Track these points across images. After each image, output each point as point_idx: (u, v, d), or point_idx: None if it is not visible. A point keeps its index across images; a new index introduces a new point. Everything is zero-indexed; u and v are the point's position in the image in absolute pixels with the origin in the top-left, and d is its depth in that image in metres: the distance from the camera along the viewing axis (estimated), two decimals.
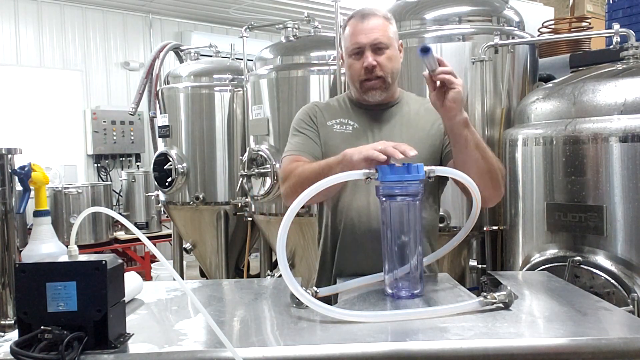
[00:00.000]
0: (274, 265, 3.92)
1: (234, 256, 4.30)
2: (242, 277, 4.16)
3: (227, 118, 4.06)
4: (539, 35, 3.21)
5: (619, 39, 2.26)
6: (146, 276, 5.53)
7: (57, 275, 1.05)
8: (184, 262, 4.80)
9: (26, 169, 3.15)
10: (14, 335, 1.09)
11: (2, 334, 1.51)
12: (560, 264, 1.94)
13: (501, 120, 2.54)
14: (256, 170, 3.30)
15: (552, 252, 2.02)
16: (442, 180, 1.79)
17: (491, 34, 2.50)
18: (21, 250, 3.23)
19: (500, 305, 1.27)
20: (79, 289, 1.05)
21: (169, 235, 5.32)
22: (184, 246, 4.35)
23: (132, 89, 6.21)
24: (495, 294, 1.28)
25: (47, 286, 1.05)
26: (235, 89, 4.06)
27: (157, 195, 4.38)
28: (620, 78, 1.98)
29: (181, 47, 4.70)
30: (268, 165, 3.24)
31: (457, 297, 1.41)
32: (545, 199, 2.05)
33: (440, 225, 2.15)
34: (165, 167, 4.04)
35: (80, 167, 6.27)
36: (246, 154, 3.43)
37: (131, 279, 1.43)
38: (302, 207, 1.28)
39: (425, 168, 1.34)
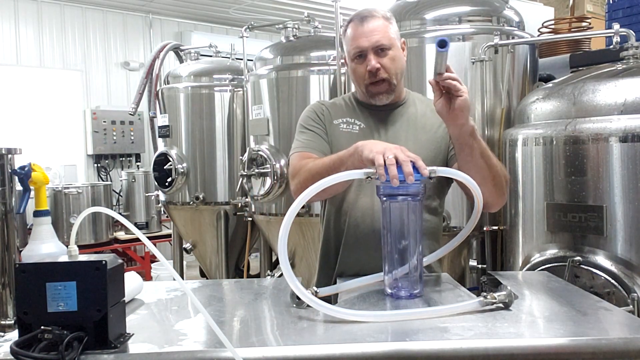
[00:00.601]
0: (274, 265, 3.92)
1: (234, 256, 4.30)
2: (242, 277, 4.16)
3: (227, 118, 4.06)
4: (539, 35, 3.21)
5: (619, 39, 2.26)
6: (146, 276, 5.53)
7: (57, 275, 1.05)
8: (184, 262, 4.80)
9: (26, 169, 3.15)
10: (14, 335, 1.09)
11: (2, 334, 1.51)
12: (560, 264, 1.94)
13: (501, 120, 2.54)
14: (256, 170, 3.30)
15: (552, 252, 2.02)
16: (447, 184, 1.79)
17: (491, 34, 2.50)
18: (21, 250, 3.23)
19: (500, 305, 1.27)
20: (79, 289, 1.05)
21: (169, 235, 5.32)
22: (184, 246, 4.35)
23: (132, 89, 6.21)
24: (495, 294, 1.28)
25: (47, 286, 1.05)
26: (235, 89, 4.06)
27: (157, 195, 4.38)
28: (620, 78, 1.98)
29: (181, 47, 4.69)
30: (268, 165, 3.24)
31: (457, 297, 1.41)
32: (545, 199, 2.05)
33: None
34: (165, 167, 4.04)
35: (80, 167, 6.27)
36: (246, 154, 3.42)
37: (131, 279, 1.43)
38: (303, 207, 1.28)
39: (428, 168, 1.34)
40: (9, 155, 3.11)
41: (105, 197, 5.47)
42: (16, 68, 5.98)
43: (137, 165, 6.37)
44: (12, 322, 3.01)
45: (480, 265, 2.56)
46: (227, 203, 4.04)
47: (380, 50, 1.65)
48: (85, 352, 1.04)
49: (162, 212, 5.13)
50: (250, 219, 3.66)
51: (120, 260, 1.14)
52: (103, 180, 6.30)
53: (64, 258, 1.10)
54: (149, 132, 4.89)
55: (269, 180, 3.26)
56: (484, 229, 2.52)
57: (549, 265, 1.97)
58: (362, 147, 1.41)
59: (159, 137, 4.25)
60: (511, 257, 2.24)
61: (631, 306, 1.70)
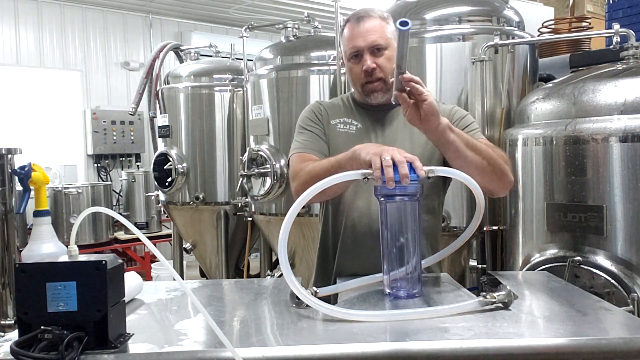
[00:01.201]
0: (274, 265, 3.92)
1: (234, 256, 4.30)
2: (242, 277, 4.16)
3: (227, 118, 4.06)
4: (539, 35, 3.21)
5: (619, 39, 2.26)
6: (146, 276, 5.53)
7: (57, 275, 1.05)
8: (184, 262, 4.80)
9: (26, 169, 3.15)
10: (14, 335, 1.09)
11: (2, 334, 1.52)
12: (560, 264, 1.94)
13: (501, 120, 2.54)
14: (256, 170, 3.30)
15: (552, 252, 2.02)
16: (446, 183, 1.79)
17: (491, 34, 2.50)
18: (21, 250, 3.23)
19: (500, 305, 1.27)
20: (79, 289, 1.05)
21: (169, 235, 5.32)
22: (184, 246, 4.35)
23: (132, 89, 6.21)
24: (495, 294, 1.28)
25: (47, 286, 1.05)
26: (235, 89, 4.06)
27: (157, 195, 4.38)
28: (620, 78, 1.98)
29: (181, 47, 4.69)
30: (268, 165, 3.24)
31: (457, 297, 1.42)
32: (545, 199, 2.05)
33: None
34: (165, 167, 4.04)
35: (80, 167, 6.27)
36: (246, 154, 3.43)
37: (131, 279, 1.43)
38: (303, 207, 1.28)
39: (425, 168, 1.34)
40: (9, 155, 3.11)
41: (105, 197, 5.48)
42: (16, 68, 5.98)
43: (137, 165, 6.37)
44: (12, 322, 3.01)
45: (480, 265, 2.56)
46: (227, 203, 4.04)
47: (377, 50, 1.66)
48: (85, 352, 1.04)
49: (162, 212, 5.14)
50: (250, 219, 3.66)
51: (120, 260, 1.14)
52: (103, 180, 6.30)
53: (64, 258, 1.10)
54: (149, 132, 4.89)
55: (269, 180, 3.26)
56: (484, 229, 2.52)
57: (549, 265, 1.97)
58: (360, 150, 1.41)
59: (159, 137, 4.25)
60: (511, 257, 2.24)
61: (631, 306, 1.70)
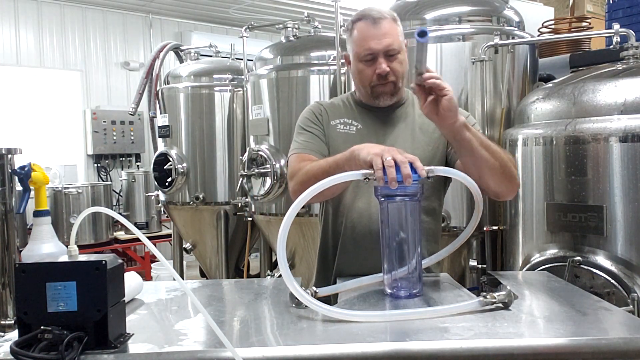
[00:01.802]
0: (274, 265, 3.92)
1: (234, 256, 4.30)
2: (242, 277, 4.16)
3: (227, 118, 4.06)
4: (539, 35, 3.21)
5: (619, 39, 2.26)
6: (146, 276, 5.53)
7: (57, 275, 1.05)
8: (184, 262, 4.80)
9: (26, 169, 3.15)
10: (14, 335, 1.09)
11: (2, 334, 1.52)
12: (560, 264, 1.94)
13: (501, 120, 2.54)
14: (256, 170, 3.30)
15: (552, 252, 2.02)
16: (445, 184, 1.79)
17: (491, 34, 2.50)
18: (21, 250, 3.23)
19: (500, 305, 1.27)
20: (79, 289, 1.05)
21: (169, 235, 5.32)
22: (184, 246, 4.35)
23: (132, 89, 6.21)
24: (495, 294, 1.28)
25: (47, 286, 1.05)
26: (235, 89, 4.06)
27: (157, 195, 4.38)
28: (620, 78, 1.98)
29: (181, 47, 4.69)
30: (268, 165, 3.24)
31: (457, 297, 1.41)
32: (545, 199, 2.05)
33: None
34: (165, 167, 4.04)
35: (80, 167, 6.27)
36: (246, 154, 3.42)
37: (131, 279, 1.43)
38: (303, 207, 1.28)
39: (425, 168, 1.34)
40: (9, 155, 3.11)
41: (105, 197, 5.47)
42: (16, 68, 5.98)
43: (137, 165, 6.37)
44: (12, 322, 3.01)
45: (480, 265, 2.56)
46: (227, 203, 4.04)
47: (390, 54, 1.64)
48: (85, 352, 1.04)
49: (162, 212, 5.14)
50: (250, 219, 3.66)
51: (120, 260, 1.14)
52: (103, 180, 6.30)
53: (64, 258, 1.10)
54: (149, 132, 4.89)
55: (269, 180, 3.26)
56: (484, 229, 2.52)
57: (549, 265, 1.97)
58: (359, 150, 1.41)
59: (159, 137, 4.25)
60: (511, 257, 2.24)
61: (631, 306, 1.70)
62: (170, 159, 4.02)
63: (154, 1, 6.38)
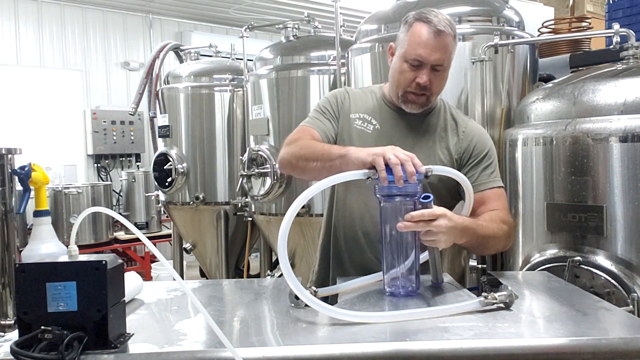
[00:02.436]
0: (274, 265, 3.92)
1: (234, 256, 4.30)
2: (242, 277, 4.16)
3: (227, 118, 4.06)
4: (539, 35, 3.21)
5: (619, 39, 2.26)
6: (146, 276, 5.53)
7: (57, 275, 1.05)
8: (184, 262, 4.80)
9: (26, 169, 3.14)
10: (14, 335, 1.09)
11: (2, 334, 1.51)
12: (560, 264, 1.94)
13: (501, 120, 2.53)
14: (256, 170, 3.30)
15: (552, 252, 2.02)
16: (454, 200, 1.76)
17: (491, 34, 2.50)
18: (21, 250, 3.23)
19: (501, 305, 1.27)
20: (79, 289, 1.05)
21: (169, 235, 5.32)
22: (184, 246, 4.35)
23: (132, 89, 6.21)
24: (496, 294, 1.28)
25: (47, 286, 1.05)
26: (235, 89, 4.06)
27: (157, 195, 4.38)
28: (620, 78, 1.98)
29: (181, 47, 4.70)
30: (268, 165, 3.24)
31: (457, 297, 1.41)
32: (545, 199, 2.05)
33: None
34: (165, 167, 4.04)
35: (80, 167, 6.27)
36: (246, 154, 3.43)
37: (131, 279, 1.43)
38: (302, 207, 1.28)
39: (423, 167, 1.34)
40: (9, 155, 3.10)
41: (105, 197, 5.48)
42: (16, 68, 5.98)
43: (137, 165, 6.37)
44: (12, 322, 3.01)
45: (480, 265, 2.55)
46: (227, 203, 4.04)
47: (436, 69, 1.62)
48: (85, 352, 1.04)
49: (162, 212, 5.14)
50: (250, 219, 3.66)
51: (120, 260, 1.14)
52: (103, 180, 6.30)
53: (64, 258, 1.10)
54: (149, 132, 4.90)
55: (269, 180, 3.26)
56: None
57: (549, 265, 1.97)
58: (356, 152, 1.42)
59: (159, 137, 4.25)
60: (511, 257, 2.24)
61: (631, 306, 1.70)
62: (170, 159, 4.02)
63: (154, 1, 6.38)
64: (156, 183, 4.20)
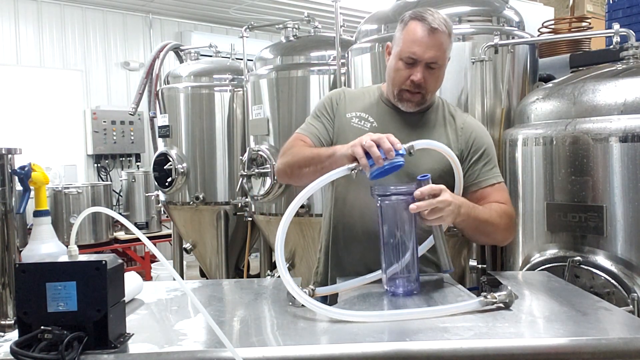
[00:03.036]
0: (274, 265, 3.92)
1: (234, 256, 4.30)
2: (242, 277, 4.16)
3: (227, 118, 4.06)
4: (539, 35, 3.20)
5: (619, 39, 2.26)
6: (146, 276, 5.53)
7: (57, 275, 1.05)
8: (184, 262, 4.80)
9: (26, 169, 3.14)
10: (14, 335, 1.09)
11: (2, 334, 1.51)
12: (560, 264, 1.94)
13: (501, 120, 2.53)
14: (256, 170, 3.30)
15: (552, 252, 2.02)
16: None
17: (491, 34, 2.50)
18: (21, 250, 3.23)
19: (501, 305, 1.27)
20: (79, 289, 1.05)
21: (169, 235, 5.32)
22: (184, 246, 4.35)
23: (132, 89, 6.21)
24: (496, 294, 1.28)
25: (47, 286, 1.05)
26: (235, 89, 4.06)
27: (157, 195, 4.38)
28: (620, 78, 1.98)
29: (181, 47, 4.70)
30: (268, 165, 3.24)
31: (457, 297, 1.42)
32: (545, 199, 2.05)
33: None
34: (165, 167, 4.04)
35: (80, 167, 6.27)
36: (246, 154, 3.43)
37: (131, 279, 1.43)
38: (302, 206, 1.29)
39: (405, 145, 1.37)
40: (9, 155, 3.10)
41: (105, 197, 5.48)
42: (16, 68, 5.98)
43: (137, 165, 6.37)
44: (12, 322, 3.01)
45: (480, 265, 2.55)
46: (227, 203, 4.04)
47: (431, 67, 1.62)
48: (85, 352, 1.04)
49: (162, 212, 5.14)
50: (250, 219, 3.66)
51: (120, 260, 1.14)
52: (103, 180, 6.30)
53: (64, 258, 1.10)
54: (149, 132, 4.89)
55: (269, 180, 3.26)
56: None
57: (549, 265, 1.97)
58: (340, 149, 1.47)
59: (159, 137, 4.25)
60: (511, 257, 2.24)
61: (631, 306, 1.70)
62: (170, 159, 4.02)
63: (154, 1, 6.38)
64: (156, 183, 4.20)
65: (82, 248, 2.92)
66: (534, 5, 4.05)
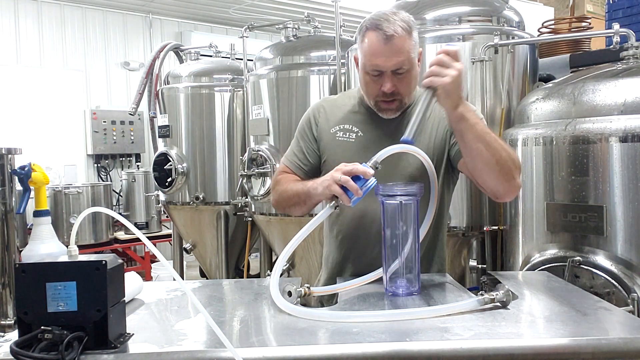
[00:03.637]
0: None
1: (234, 256, 4.30)
2: (242, 277, 4.16)
3: (227, 118, 4.06)
4: (539, 35, 3.21)
5: (619, 39, 2.26)
6: (146, 276, 5.53)
7: (57, 275, 1.05)
8: (184, 262, 4.80)
9: (26, 169, 3.14)
10: (14, 335, 1.09)
11: (2, 334, 1.52)
12: (560, 264, 1.94)
13: (501, 120, 2.54)
14: (256, 170, 3.30)
15: (552, 252, 2.02)
16: (450, 188, 1.75)
17: (491, 34, 2.50)
18: (21, 250, 3.23)
19: (498, 304, 1.27)
20: (79, 289, 1.05)
21: (169, 235, 5.32)
22: (184, 246, 4.35)
23: (132, 89, 6.19)
24: (493, 293, 1.28)
25: (47, 286, 1.05)
26: (235, 89, 4.06)
27: (157, 195, 4.38)
28: (620, 78, 1.98)
29: (181, 47, 4.70)
30: (268, 165, 3.24)
31: (456, 297, 1.42)
32: (545, 199, 2.05)
33: None
34: (165, 167, 4.04)
35: (80, 167, 6.26)
36: (246, 154, 3.43)
37: (131, 279, 1.43)
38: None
39: (369, 163, 1.38)
40: (9, 155, 3.10)
41: (105, 197, 5.47)
42: (16, 68, 5.98)
43: (137, 165, 6.37)
44: (12, 322, 3.01)
45: (480, 265, 2.56)
46: (227, 203, 4.04)
47: (399, 73, 1.57)
48: (85, 352, 1.04)
49: (162, 212, 5.13)
50: (250, 219, 3.66)
51: (120, 260, 1.14)
52: (103, 180, 6.30)
53: (64, 258, 1.10)
54: (149, 132, 4.90)
55: (269, 180, 3.26)
56: (484, 229, 2.52)
57: (549, 265, 1.97)
58: (315, 189, 1.51)
59: (159, 137, 4.25)
60: (511, 257, 2.24)
61: (631, 306, 1.70)
62: (170, 159, 4.02)
63: (154, 1, 6.38)
64: (156, 183, 4.20)
65: (82, 248, 2.92)
66: (534, 5, 4.05)
